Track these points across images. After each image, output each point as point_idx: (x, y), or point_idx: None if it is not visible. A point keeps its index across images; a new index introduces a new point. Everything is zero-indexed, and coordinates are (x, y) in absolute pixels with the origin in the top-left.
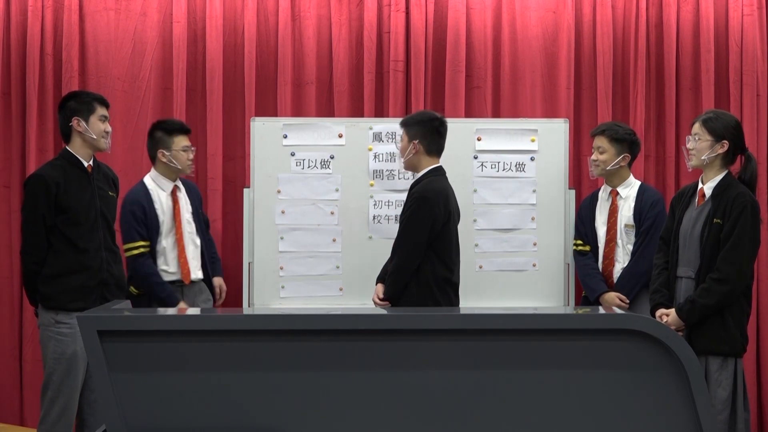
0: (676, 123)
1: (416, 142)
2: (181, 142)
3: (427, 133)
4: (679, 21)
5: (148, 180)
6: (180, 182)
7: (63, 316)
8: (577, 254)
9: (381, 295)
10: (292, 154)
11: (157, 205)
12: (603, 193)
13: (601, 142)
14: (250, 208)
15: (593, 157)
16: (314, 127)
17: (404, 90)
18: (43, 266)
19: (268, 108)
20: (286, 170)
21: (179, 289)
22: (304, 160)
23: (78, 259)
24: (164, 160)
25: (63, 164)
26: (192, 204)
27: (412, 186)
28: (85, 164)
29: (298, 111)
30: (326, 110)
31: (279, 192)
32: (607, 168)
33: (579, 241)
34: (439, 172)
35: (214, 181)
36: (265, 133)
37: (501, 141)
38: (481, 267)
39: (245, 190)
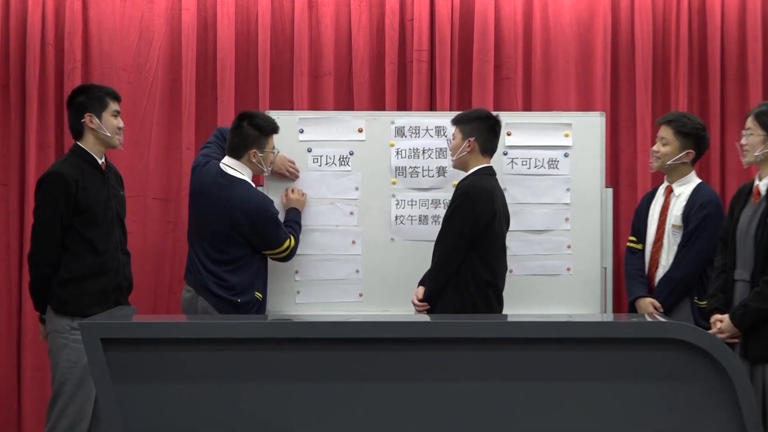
0: (721, 116)
1: (472, 139)
2: (271, 143)
3: (484, 131)
4: (724, 5)
5: (251, 184)
6: None
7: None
8: (628, 252)
9: (420, 296)
10: (309, 150)
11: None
12: (661, 189)
13: (665, 132)
14: None
15: (654, 147)
16: (332, 121)
17: (428, 81)
18: (58, 270)
19: (283, 101)
20: (302, 167)
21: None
22: (321, 156)
23: (97, 262)
24: (254, 160)
25: (78, 162)
26: None
27: (459, 183)
28: (99, 162)
29: (315, 104)
30: (345, 103)
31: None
32: (668, 162)
33: (633, 238)
34: (489, 171)
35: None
36: (282, 128)
37: (532, 136)
38: (511, 271)
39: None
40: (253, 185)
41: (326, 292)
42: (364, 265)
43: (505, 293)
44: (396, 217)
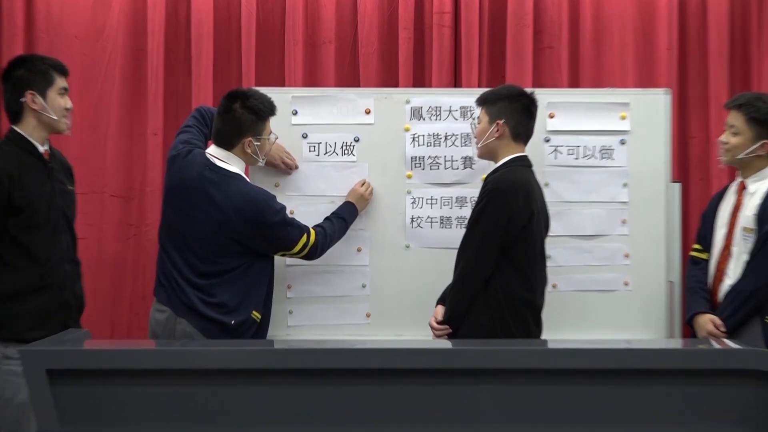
0: None
1: (501, 122)
2: (268, 128)
3: (516, 112)
4: None
5: (246, 179)
6: None
7: (15, 349)
8: (690, 262)
9: (439, 318)
10: (304, 136)
11: None
12: (732, 186)
13: (735, 119)
14: None
15: (723, 137)
16: (333, 100)
17: (452, 52)
18: None
19: (272, 75)
20: (296, 157)
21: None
22: (319, 144)
23: (37, 274)
24: (249, 150)
25: (14, 151)
26: None
27: (487, 177)
28: (41, 150)
29: (311, 79)
30: (349, 78)
31: (282, 185)
32: (738, 156)
33: (698, 246)
34: (523, 161)
35: None
36: None
37: (581, 119)
38: (555, 286)
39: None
40: (247, 179)
41: (325, 311)
42: (372, 279)
43: (545, 313)
44: (412, 219)
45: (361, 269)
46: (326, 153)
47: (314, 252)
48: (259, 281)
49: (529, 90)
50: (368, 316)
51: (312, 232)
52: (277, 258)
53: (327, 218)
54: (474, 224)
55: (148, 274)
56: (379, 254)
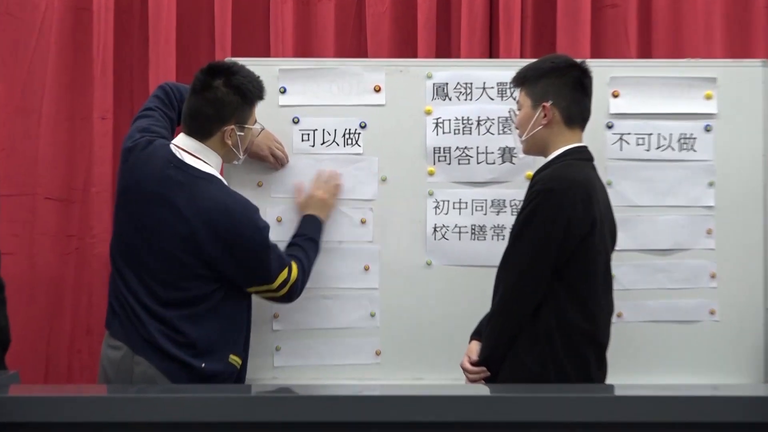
0: None
1: (549, 104)
2: (254, 115)
3: (566, 89)
4: None
5: (223, 181)
6: None
7: None
8: None
9: (474, 357)
10: (295, 121)
11: None
12: None
13: None
14: None
15: None
16: (333, 74)
17: (486, 13)
18: None
19: (253, 42)
20: (285, 148)
21: None
22: (314, 131)
23: None
24: (230, 141)
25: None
26: None
27: (535, 175)
28: None
29: (304, 48)
30: (353, 47)
31: (266, 185)
32: None
33: None
34: (582, 153)
35: None
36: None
37: (653, 99)
38: (620, 315)
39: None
40: (224, 181)
41: (322, 348)
42: (383, 306)
43: (611, 347)
44: (435, 229)
45: (368, 294)
46: (324, 143)
47: (294, 293)
48: (238, 316)
49: (578, 60)
50: (378, 354)
51: (293, 266)
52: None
53: (294, 244)
54: (518, 236)
55: (95, 300)
56: (391, 274)
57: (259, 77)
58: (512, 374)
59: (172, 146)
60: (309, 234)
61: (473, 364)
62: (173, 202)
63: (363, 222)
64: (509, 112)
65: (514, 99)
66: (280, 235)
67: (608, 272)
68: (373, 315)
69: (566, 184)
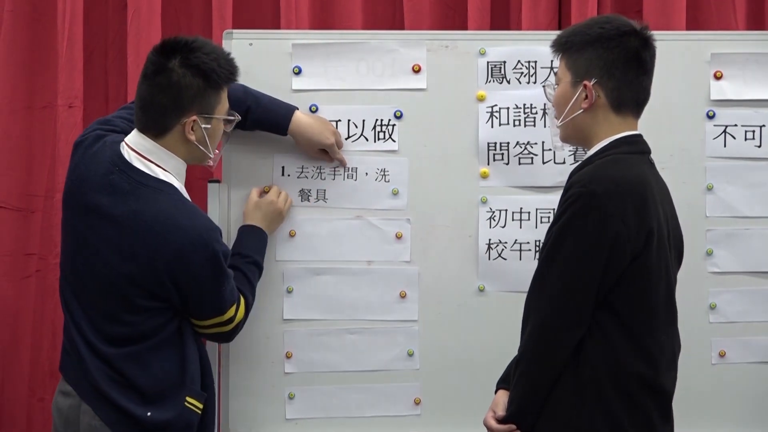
0: None
1: (591, 83)
2: (227, 102)
3: (617, 66)
4: None
5: (178, 191)
6: None
7: None
8: None
9: (500, 412)
10: (313, 110)
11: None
12: None
13: None
14: (221, 224)
15: None
16: (360, 51)
17: None
18: None
19: (259, 11)
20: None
21: None
22: (337, 122)
23: None
24: (193, 136)
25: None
26: None
27: (573, 174)
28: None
29: (325, 18)
30: (385, 16)
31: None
32: None
33: None
34: (634, 145)
35: None
36: (255, 66)
37: (766, 81)
38: (722, 355)
39: (211, 187)
40: (183, 192)
41: (348, 396)
42: (424, 342)
43: (709, 399)
44: (489, 246)
45: (405, 327)
46: (349, 137)
47: (236, 331)
48: (192, 350)
49: (638, 25)
50: (417, 403)
51: (241, 302)
52: (268, 302)
53: (237, 269)
54: (551, 256)
55: (60, 334)
56: (435, 302)
57: (228, 54)
58: (552, 428)
59: (122, 145)
60: (253, 256)
61: (500, 420)
62: (113, 216)
63: (398, 237)
64: (543, 87)
65: (550, 78)
66: (293, 254)
67: (671, 300)
68: (411, 354)
69: (612, 186)
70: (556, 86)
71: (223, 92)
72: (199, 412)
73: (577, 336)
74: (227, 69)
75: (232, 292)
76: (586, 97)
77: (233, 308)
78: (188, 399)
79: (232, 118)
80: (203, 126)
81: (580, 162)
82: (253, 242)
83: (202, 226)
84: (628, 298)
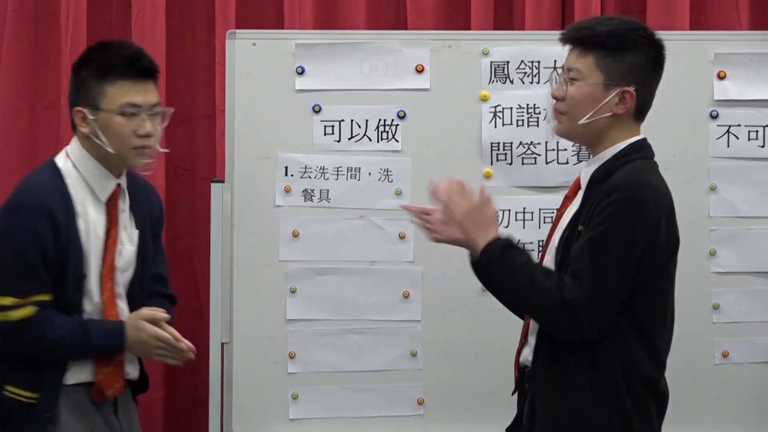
0: None
1: (631, 89)
2: (126, 94)
3: (650, 74)
4: None
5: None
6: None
7: None
8: None
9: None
10: (316, 110)
11: (80, 221)
12: None
13: None
14: (225, 223)
15: None
16: (363, 51)
17: None
18: None
19: (263, 11)
20: (303, 144)
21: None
22: (341, 122)
23: None
24: (85, 130)
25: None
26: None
27: (596, 173)
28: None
29: (327, 18)
30: (388, 17)
31: (287, 191)
32: None
33: None
34: (648, 150)
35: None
36: (259, 66)
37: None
38: (726, 355)
39: (214, 187)
40: (48, 171)
41: (351, 396)
42: (427, 342)
43: (712, 399)
44: None
45: (408, 327)
46: (352, 137)
47: (17, 337)
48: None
49: (652, 31)
50: (420, 403)
51: (28, 309)
52: (271, 302)
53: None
54: (598, 248)
55: None
56: (437, 303)
57: (136, 50)
58: (572, 423)
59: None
60: (95, 332)
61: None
62: None
63: (401, 237)
64: (553, 76)
65: (558, 70)
66: (296, 254)
67: (673, 304)
68: (414, 354)
69: (653, 195)
70: (570, 80)
71: (110, 85)
72: (25, 401)
73: (611, 315)
74: (115, 57)
75: (13, 281)
76: (624, 101)
77: (6, 300)
78: (9, 387)
79: (126, 111)
80: (90, 117)
81: (602, 162)
82: (103, 331)
83: (13, 199)
84: (648, 302)
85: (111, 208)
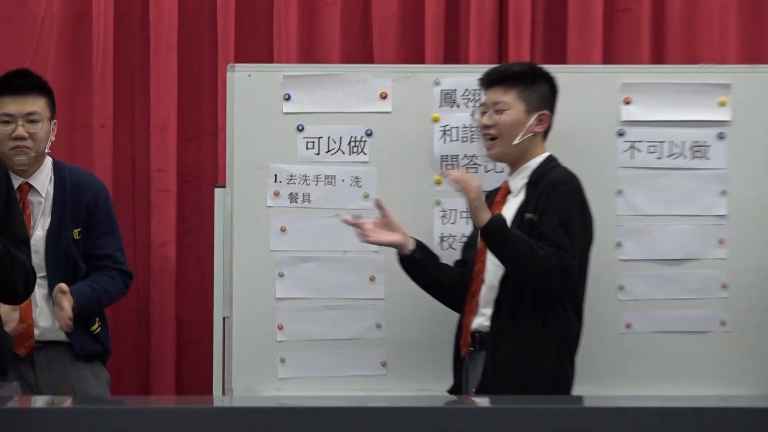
0: None
1: (546, 112)
2: (4, 106)
3: (555, 100)
4: None
5: None
6: (41, 175)
7: None
8: None
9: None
10: (300, 129)
11: None
12: None
13: None
14: (226, 222)
15: None
16: (338, 81)
17: (495, 17)
18: None
19: (257, 47)
20: (288, 157)
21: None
22: (320, 138)
23: None
24: None
25: None
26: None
27: (533, 177)
28: None
29: (309, 53)
30: (359, 53)
31: (276, 195)
32: None
33: None
34: (558, 161)
35: (163, 175)
36: (253, 92)
37: (666, 105)
38: (629, 326)
39: (217, 192)
40: None
41: (328, 360)
42: (389, 316)
43: (619, 359)
44: (441, 238)
45: (374, 304)
46: (329, 151)
47: None
48: None
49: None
50: (384, 365)
51: None
52: (264, 285)
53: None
54: (571, 216)
55: None
56: (398, 284)
57: (16, 71)
58: (537, 376)
59: None
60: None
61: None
62: None
63: (358, 219)
64: (474, 111)
65: (478, 104)
66: (284, 245)
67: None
68: (378, 326)
69: (582, 187)
70: (504, 112)
71: None
72: None
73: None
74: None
75: None
76: (538, 123)
77: None
78: None
79: (2, 119)
80: None
81: (528, 173)
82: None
83: None
84: (581, 276)
85: (22, 201)
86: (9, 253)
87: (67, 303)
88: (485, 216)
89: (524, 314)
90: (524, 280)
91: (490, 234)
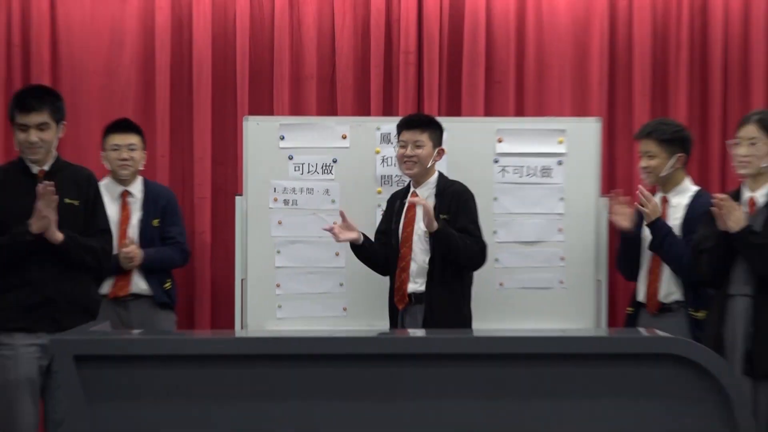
0: (723, 123)
1: (443, 148)
2: (112, 140)
3: (442, 138)
4: (727, 7)
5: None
6: (136, 186)
7: (2, 336)
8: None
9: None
10: (290, 158)
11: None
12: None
13: (648, 146)
14: (243, 218)
15: (642, 164)
16: (315, 127)
17: (416, 85)
18: None
19: (263, 106)
20: (283, 175)
21: (117, 308)
22: (303, 164)
23: (17, 274)
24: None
25: (8, 167)
26: (145, 209)
27: (443, 186)
28: (35, 170)
29: (296, 109)
30: (328, 108)
31: (275, 200)
32: (661, 174)
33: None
34: (454, 181)
35: (202, 187)
36: (260, 134)
37: (525, 143)
38: (501, 284)
39: (237, 198)
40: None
41: (309, 306)
42: (348, 279)
43: (495, 307)
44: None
45: (338, 271)
46: (309, 172)
47: None
48: None
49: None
50: (345, 310)
51: None
52: (268, 259)
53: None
54: (472, 215)
55: None
56: (354, 258)
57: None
58: (447, 311)
59: None
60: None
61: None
62: None
63: (335, 224)
64: (395, 145)
65: (399, 142)
66: (281, 233)
67: None
68: (341, 285)
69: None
70: (419, 148)
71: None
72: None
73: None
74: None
75: None
76: (437, 154)
77: None
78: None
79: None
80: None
81: (442, 181)
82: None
83: None
84: None
85: (123, 202)
86: (75, 239)
87: (133, 249)
88: (436, 224)
89: (447, 279)
90: (460, 260)
91: (441, 235)
